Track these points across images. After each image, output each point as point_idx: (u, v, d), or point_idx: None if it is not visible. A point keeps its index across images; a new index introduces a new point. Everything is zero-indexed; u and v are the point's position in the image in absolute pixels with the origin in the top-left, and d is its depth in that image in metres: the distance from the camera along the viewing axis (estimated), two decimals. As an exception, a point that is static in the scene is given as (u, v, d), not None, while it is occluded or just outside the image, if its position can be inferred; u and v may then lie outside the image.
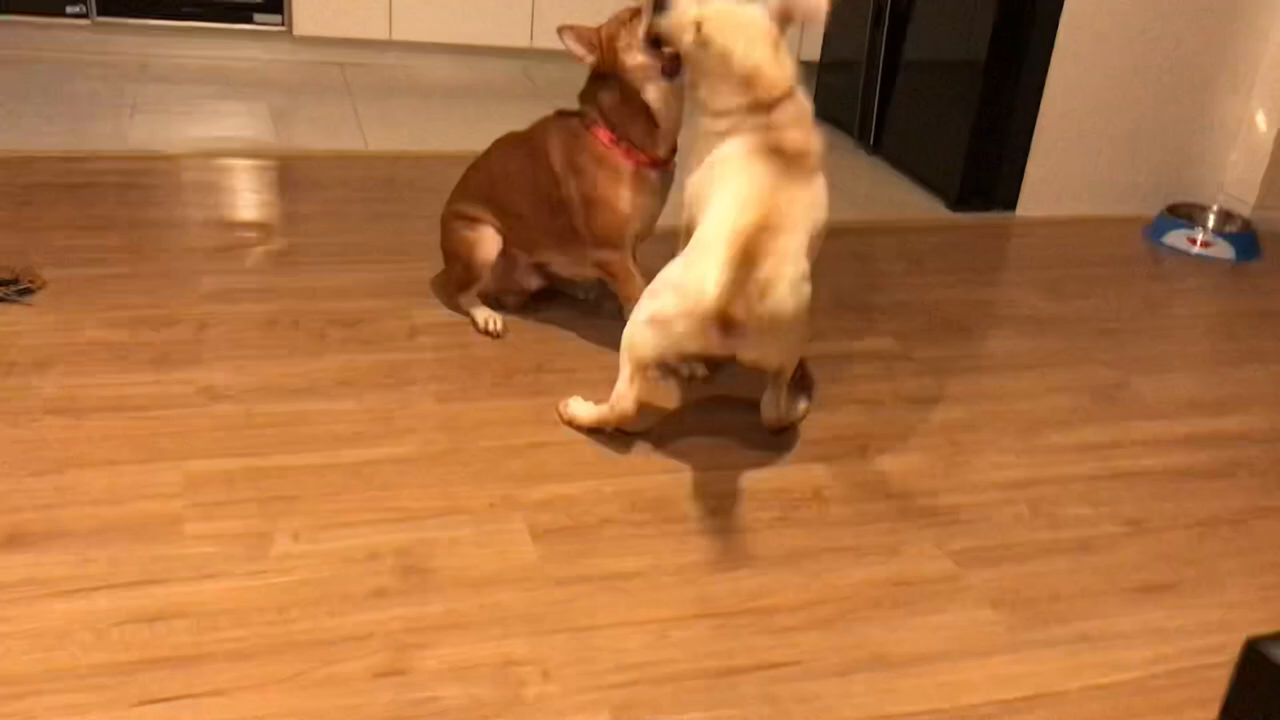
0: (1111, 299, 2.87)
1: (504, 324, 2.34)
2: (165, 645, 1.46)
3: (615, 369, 2.20)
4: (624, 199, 2.17)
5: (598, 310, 2.45)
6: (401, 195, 3.05)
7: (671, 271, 1.87)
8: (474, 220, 2.32)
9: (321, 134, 3.46)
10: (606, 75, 2.16)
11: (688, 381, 2.23)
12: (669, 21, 1.97)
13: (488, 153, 2.38)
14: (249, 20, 3.99)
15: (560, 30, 2.16)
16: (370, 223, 2.84)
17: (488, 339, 2.32)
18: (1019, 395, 2.32)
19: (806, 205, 1.87)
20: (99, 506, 1.71)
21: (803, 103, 1.94)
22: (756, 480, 1.94)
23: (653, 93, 2.13)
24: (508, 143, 2.35)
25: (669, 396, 2.17)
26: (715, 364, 2.21)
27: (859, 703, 1.48)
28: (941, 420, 2.19)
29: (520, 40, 4.09)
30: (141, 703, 1.37)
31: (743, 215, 1.76)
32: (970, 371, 2.41)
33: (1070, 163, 3.32)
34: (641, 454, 1.99)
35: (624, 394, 1.94)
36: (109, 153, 3.12)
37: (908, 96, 3.56)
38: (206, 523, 1.70)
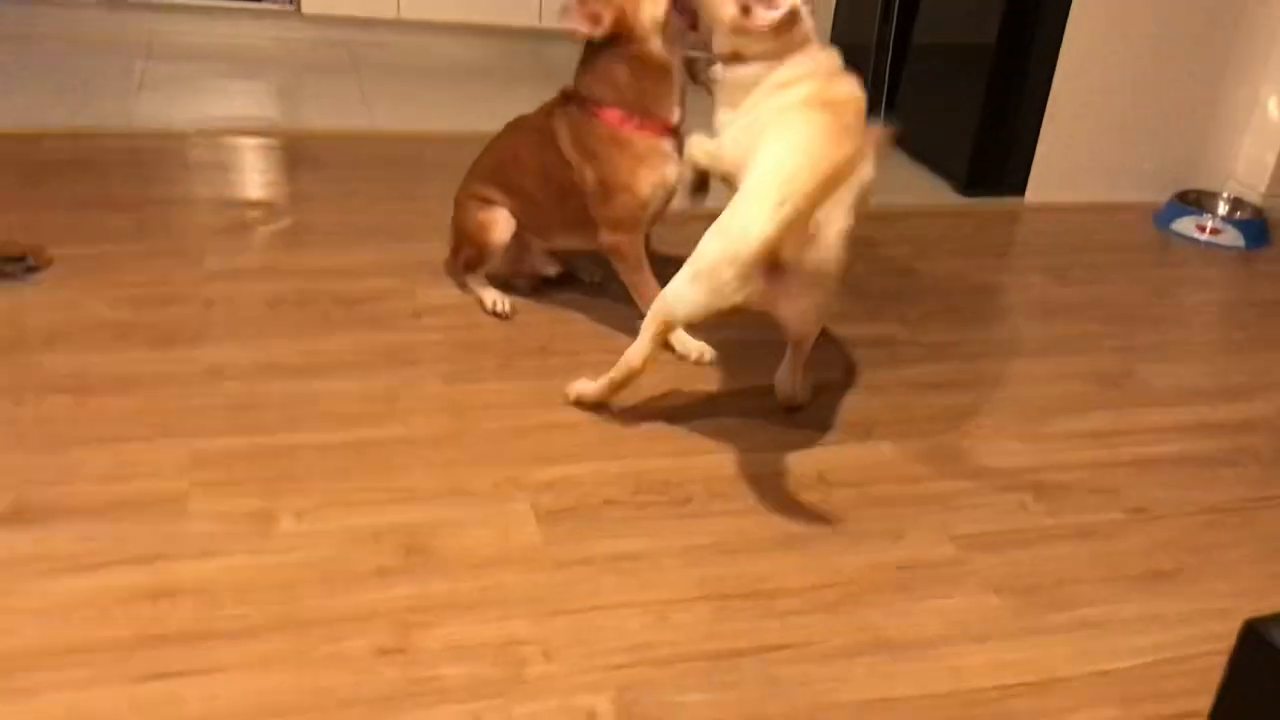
0: (1119, 286, 2.85)
1: (511, 306, 2.34)
2: (169, 622, 1.47)
3: (618, 350, 2.19)
4: (642, 180, 2.16)
5: (604, 293, 2.44)
6: (408, 175, 3.04)
7: (715, 228, 1.83)
8: (488, 202, 2.32)
9: (329, 113, 3.45)
10: (608, 48, 2.13)
11: (695, 365, 2.22)
12: None
13: (500, 136, 2.37)
14: (257, -1, 3.99)
15: (564, 8, 2.14)
16: (377, 203, 2.84)
17: (493, 320, 2.32)
18: (1025, 381, 2.32)
19: (866, 163, 1.87)
20: (104, 484, 1.72)
21: (832, 53, 1.98)
22: (760, 464, 1.94)
23: (670, 53, 2.12)
24: (518, 127, 2.34)
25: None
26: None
27: (861, 686, 1.48)
28: (947, 405, 2.19)
29: (528, 20, 4.07)
30: (145, 679, 1.38)
31: (799, 161, 1.75)
32: (977, 357, 2.40)
33: (1080, 148, 3.31)
34: (646, 437, 1.98)
35: (638, 350, 1.92)
36: (116, 131, 3.11)
37: (917, 80, 3.55)
38: (211, 501, 1.70)
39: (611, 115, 2.15)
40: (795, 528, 1.79)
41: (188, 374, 2.02)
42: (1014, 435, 2.11)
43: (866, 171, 1.88)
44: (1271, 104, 3.32)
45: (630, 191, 2.16)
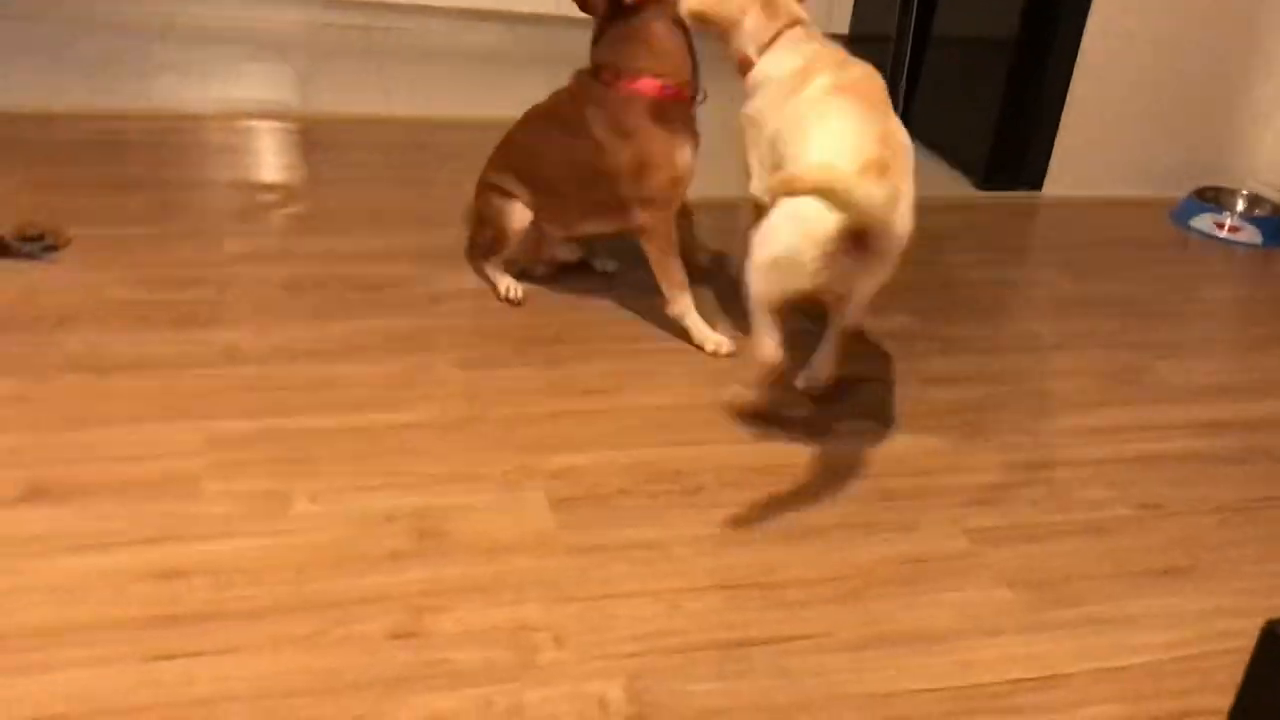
0: (1136, 282, 2.84)
1: (524, 293, 2.34)
2: (183, 602, 1.48)
3: (632, 339, 2.22)
4: (678, 151, 2.16)
5: (620, 282, 2.45)
6: (425, 161, 3.05)
7: (778, 215, 1.82)
8: (507, 194, 2.32)
9: (346, 97, 3.45)
10: (635, 16, 2.14)
11: (711, 355, 2.22)
12: None
13: (519, 129, 2.36)
14: (276, -19, 3.99)
15: None
16: (394, 188, 2.85)
17: (509, 307, 2.32)
18: (1039, 376, 2.31)
19: (906, 135, 1.91)
20: (120, 463, 1.73)
21: (834, 45, 2.08)
22: (773, 453, 1.94)
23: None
24: (538, 119, 2.32)
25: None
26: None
27: (871, 678, 1.48)
28: (961, 399, 2.18)
29: (546, 5, 4.06)
30: (158, 658, 1.39)
31: (862, 138, 1.80)
32: (991, 351, 2.39)
33: (1098, 143, 3.29)
34: (658, 426, 1.99)
35: (759, 342, 1.92)
36: (134, 112, 3.12)
37: (937, 72, 3.53)
38: (226, 482, 1.71)
39: (648, 84, 2.14)
40: (807, 519, 1.79)
41: (204, 356, 2.03)
42: (1027, 430, 2.11)
43: (910, 147, 1.92)
44: (1293, 101, 3.30)
45: (669, 164, 2.16)
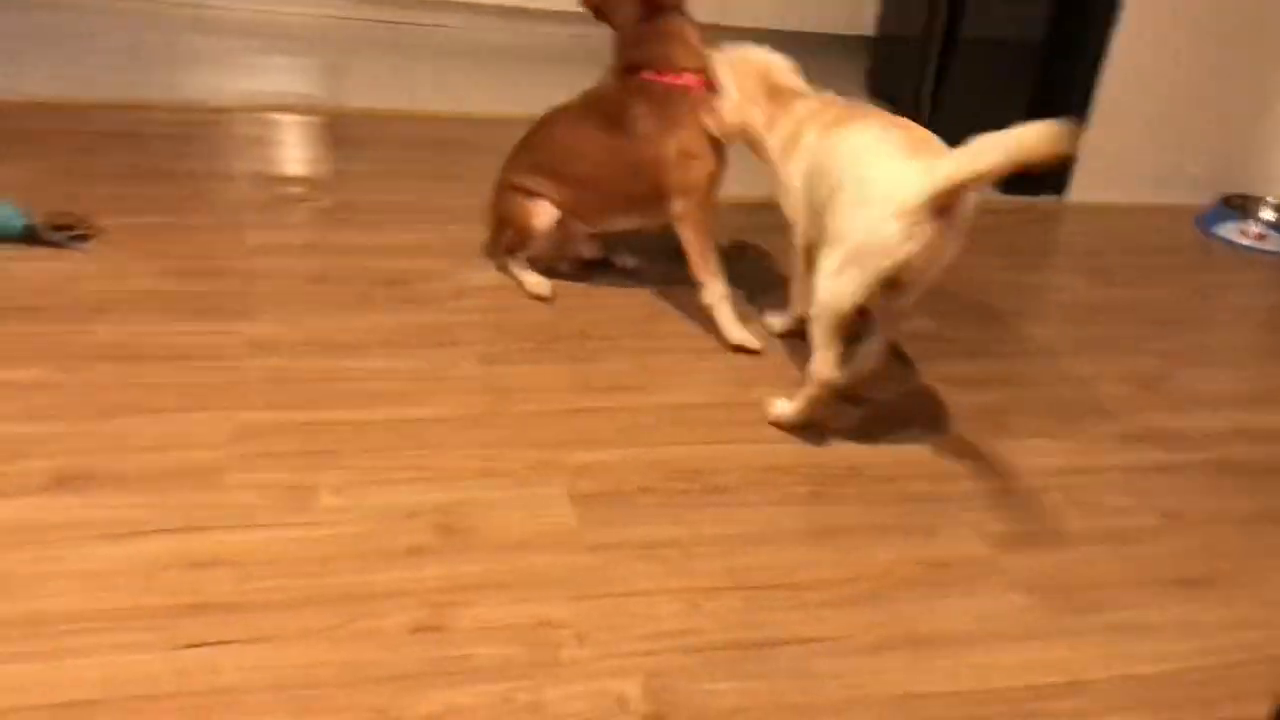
0: (1159, 288, 2.83)
1: (552, 289, 2.36)
2: (209, 591, 1.49)
3: (655, 337, 2.22)
4: (718, 143, 2.23)
5: (643, 279, 2.45)
6: (451, 156, 3.06)
7: (846, 209, 1.86)
8: (532, 193, 2.33)
9: (372, 92, 3.46)
10: (676, 15, 2.25)
11: (734, 350, 2.23)
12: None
13: (548, 128, 2.37)
14: (304, -25, 4.01)
15: None
16: (419, 183, 2.86)
17: (532, 303, 2.33)
18: (1061, 381, 2.31)
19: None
20: (147, 453, 1.75)
21: (830, 96, 2.16)
22: (795, 455, 1.95)
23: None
24: (572, 118, 2.34)
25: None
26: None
27: (890, 680, 1.49)
28: (982, 403, 2.18)
29: (569, 4, 4.07)
30: (186, 646, 1.41)
31: (910, 140, 1.87)
32: (1012, 356, 2.39)
33: (1124, 149, 3.28)
34: (680, 425, 1.99)
35: (821, 361, 1.92)
36: (163, 103, 3.14)
37: (963, 75, 3.52)
38: (251, 473, 1.73)
39: (690, 79, 2.23)
40: (827, 520, 1.79)
41: (231, 347, 2.04)
42: (1048, 435, 2.11)
43: None
44: (1322, 109, 3.28)
45: (711, 153, 2.22)
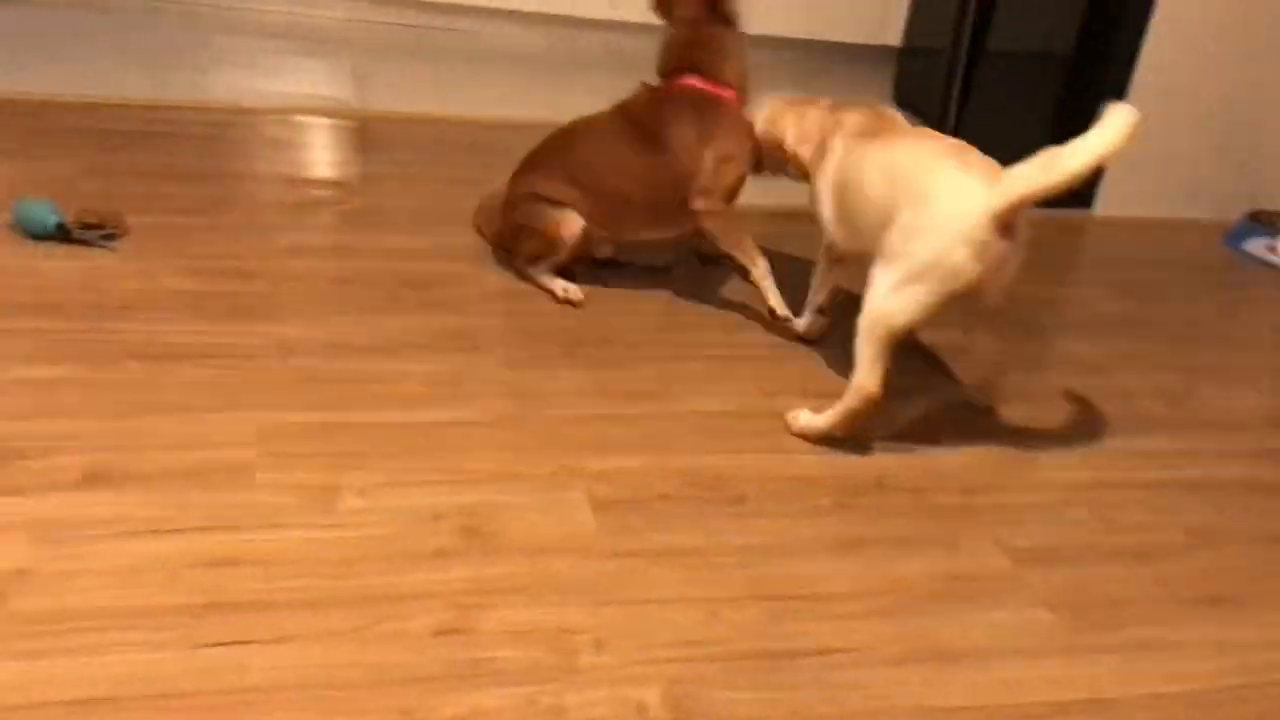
0: (1186, 304, 2.82)
1: (582, 293, 2.37)
2: (233, 590, 1.50)
3: (679, 344, 2.23)
4: (748, 151, 2.32)
5: (667, 284, 2.46)
6: (478, 161, 3.07)
7: (910, 238, 1.88)
8: (559, 203, 2.34)
9: (401, 96, 3.48)
10: (729, 31, 2.34)
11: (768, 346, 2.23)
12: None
13: (577, 139, 2.38)
14: (334, -22, 4.03)
15: None
16: (446, 187, 2.87)
17: (557, 308, 2.34)
18: (1086, 395, 2.30)
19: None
20: (174, 451, 1.76)
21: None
22: (818, 465, 1.94)
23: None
24: (605, 131, 2.35)
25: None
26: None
27: (910, 693, 1.48)
28: (1005, 417, 2.18)
29: (600, 11, 4.08)
30: (210, 645, 1.41)
31: (968, 157, 1.93)
32: (1036, 369, 2.38)
33: (1151, 163, 3.26)
34: (702, 432, 1.99)
35: (867, 375, 1.92)
36: (192, 103, 3.17)
37: (990, 87, 3.52)
38: (277, 473, 1.74)
39: (730, 94, 2.32)
40: (850, 532, 1.79)
41: (258, 347, 2.05)
42: (1073, 450, 2.10)
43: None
44: (1352, 126, 3.26)
45: (742, 160, 2.32)
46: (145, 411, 1.84)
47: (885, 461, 1.98)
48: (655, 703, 1.42)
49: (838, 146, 2.12)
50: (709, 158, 2.27)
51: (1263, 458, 2.16)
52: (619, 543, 1.70)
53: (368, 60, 3.76)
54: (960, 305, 1.91)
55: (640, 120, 2.31)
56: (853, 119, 2.14)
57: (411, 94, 3.52)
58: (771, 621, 1.58)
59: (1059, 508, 1.92)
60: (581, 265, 2.43)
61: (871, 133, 2.07)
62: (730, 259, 2.35)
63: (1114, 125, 1.72)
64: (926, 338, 2.39)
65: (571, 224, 2.33)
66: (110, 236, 2.35)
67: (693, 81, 2.32)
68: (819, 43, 4.25)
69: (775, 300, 2.32)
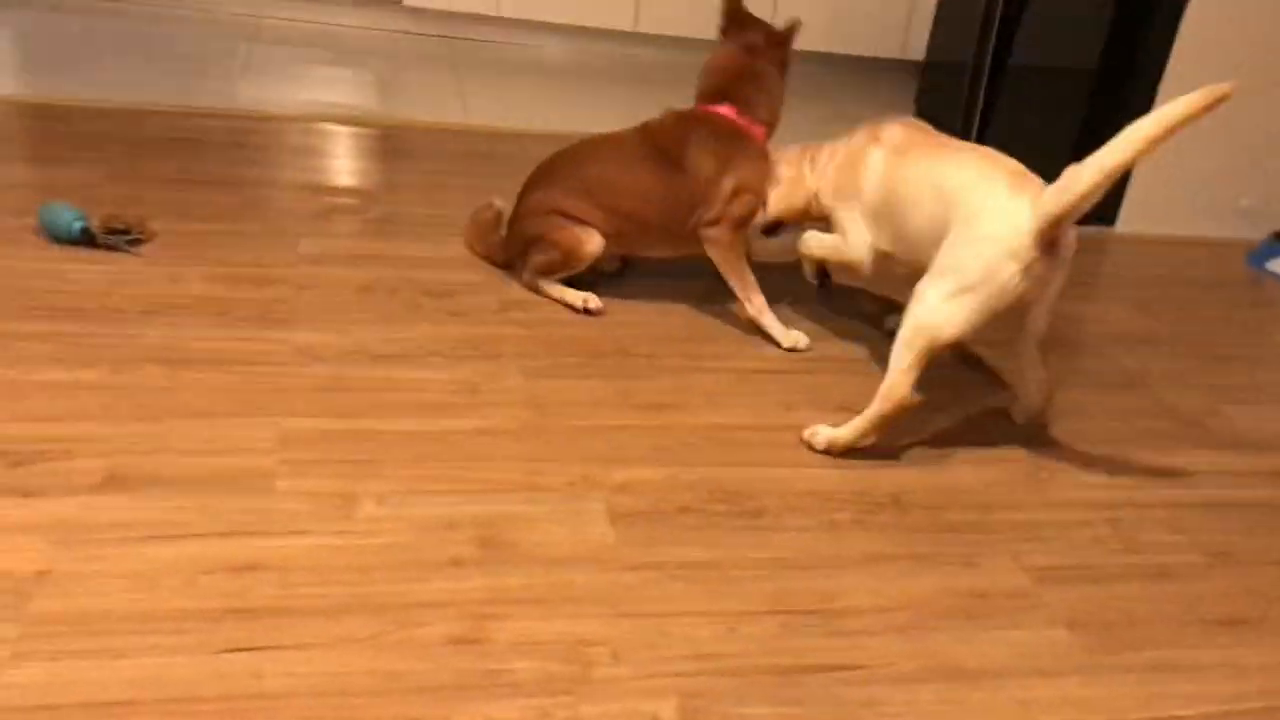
0: (1208, 323, 2.80)
1: (602, 303, 2.38)
2: (251, 596, 1.51)
3: (698, 356, 2.23)
4: (767, 185, 2.37)
5: (686, 296, 2.46)
6: (500, 171, 3.07)
7: (959, 254, 1.90)
8: (580, 220, 2.35)
9: (425, 106, 3.50)
10: (772, 71, 2.40)
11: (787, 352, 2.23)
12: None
13: (598, 158, 2.39)
14: (361, -12, 4.07)
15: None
16: (468, 196, 2.87)
17: (576, 318, 2.35)
18: (1106, 414, 2.29)
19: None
20: (194, 456, 1.77)
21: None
22: (837, 480, 1.94)
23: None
24: (627, 151, 2.37)
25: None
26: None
27: (926, 711, 1.48)
28: (1025, 434, 2.17)
29: (624, 23, 4.10)
30: (227, 650, 1.42)
31: (1013, 173, 1.94)
32: (1058, 386, 2.37)
33: (1175, 181, 3.25)
34: (721, 445, 1.99)
35: (899, 381, 1.93)
36: (218, 110, 3.20)
37: (1013, 102, 3.51)
38: (296, 480, 1.74)
39: (760, 131, 2.37)
40: (868, 547, 1.78)
41: (279, 354, 2.07)
42: (1093, 468, 2.09)
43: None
44: (1379, 146, 3.23)
45: (760, 192, 2.36)
46: (166, 416, 1.85)
47: (904, 477, 1.98)
48: (670, 716, 1.41)
49: (875, 162, 2.13)
50: (726, 186, 2.29)
51: (1285, 479, 2.15)
52: (636, 555, 1.70)
53: (392, 70, 3.78)
54: (1005, 321, 1.94)
55: (663, 144, 2.33)
56: (891, 133, 2.17)
57: (435, 104, 3.53)
58: (787, 636, 1.57)
59: (1078, 526, 1.91)
60: (589, 276, 2.44)
61: (912, 146, 2.10)
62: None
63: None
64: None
65: (593, 241, 2.34)
66: (135, 241, 2.37)
67: (725, 111, 2.35)
68: (843, 56, 4.26)
69: (779, 335, 2.34)
